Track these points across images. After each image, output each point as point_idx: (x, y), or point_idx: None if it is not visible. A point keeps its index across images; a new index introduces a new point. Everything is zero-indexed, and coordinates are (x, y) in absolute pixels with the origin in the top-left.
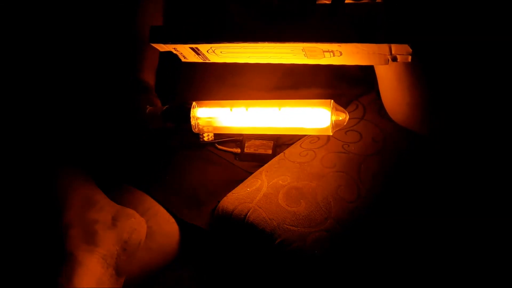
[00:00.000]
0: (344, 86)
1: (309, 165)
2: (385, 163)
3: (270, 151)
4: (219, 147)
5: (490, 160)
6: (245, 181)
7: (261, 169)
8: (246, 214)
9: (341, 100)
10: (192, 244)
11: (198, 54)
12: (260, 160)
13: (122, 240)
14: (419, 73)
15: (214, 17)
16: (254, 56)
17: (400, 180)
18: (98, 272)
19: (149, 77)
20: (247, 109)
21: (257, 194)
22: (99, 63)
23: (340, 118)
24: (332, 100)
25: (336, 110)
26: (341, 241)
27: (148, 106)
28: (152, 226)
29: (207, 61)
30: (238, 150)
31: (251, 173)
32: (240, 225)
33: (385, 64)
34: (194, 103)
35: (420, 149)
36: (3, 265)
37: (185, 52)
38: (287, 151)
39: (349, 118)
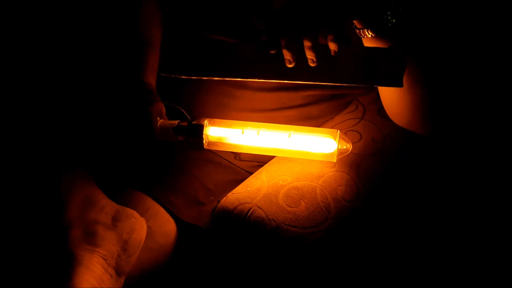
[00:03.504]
0: (344, 86)
1: (309, 165)
2: (385, 163)
3: None
4: None
5: (489, 160)
6: (245, 181)
7: (261, 169)
8: (246, 214)
9: (341, 100)
10: (192, 244)
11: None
12: (260, 160)
13: (122, 240)
14: (416, 74)
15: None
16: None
17: (400, 180)
18: (98, 272)
19: (151, 79)
20: (258, 133)
21: (257, 194)
22: (100, 64)
23: (345, 147)
24: (339, 130)
25: (342, 139)
26: (341, 241)
27: (158, 118)
28: (152, 226)
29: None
30: None
31: (251, 173)
32: (240, 225)
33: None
34: (206, 121)
35: (419, 149)
36: (4, 265)
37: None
38: None
39: (349, 118)
